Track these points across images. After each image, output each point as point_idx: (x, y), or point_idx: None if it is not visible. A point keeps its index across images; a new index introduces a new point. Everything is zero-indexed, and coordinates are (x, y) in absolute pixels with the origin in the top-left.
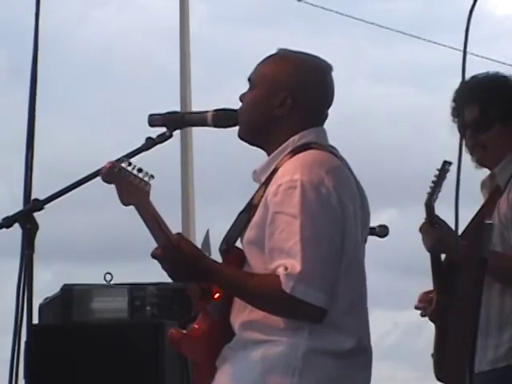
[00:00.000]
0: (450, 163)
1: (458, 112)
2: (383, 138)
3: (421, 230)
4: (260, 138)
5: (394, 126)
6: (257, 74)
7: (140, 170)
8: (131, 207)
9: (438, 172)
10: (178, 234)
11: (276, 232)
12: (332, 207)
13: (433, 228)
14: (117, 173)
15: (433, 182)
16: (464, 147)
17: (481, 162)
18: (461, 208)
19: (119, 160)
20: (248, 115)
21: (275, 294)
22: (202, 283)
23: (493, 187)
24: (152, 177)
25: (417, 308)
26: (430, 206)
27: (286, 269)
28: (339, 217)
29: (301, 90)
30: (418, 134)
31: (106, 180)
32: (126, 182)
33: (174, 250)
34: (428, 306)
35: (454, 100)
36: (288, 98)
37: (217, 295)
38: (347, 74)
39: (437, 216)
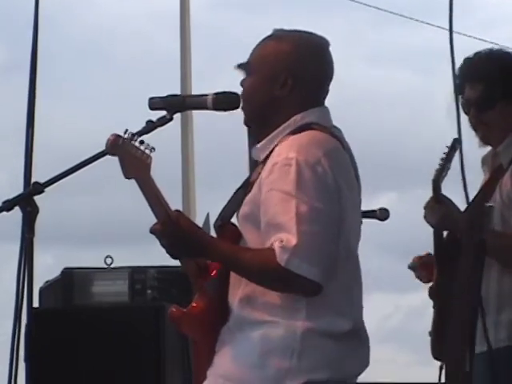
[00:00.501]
0: (459, 141)
1: (460, 89)
2: (382, 121)
3: (426, 207)
4: (264, 121)
5: (393, 109)
6: (254, 58)
7: (142, 142)
8: (131, 185)
9: (447, 149)
10: (177, 211)
11: (271, 208)
12: (328, 185)
13: (438, 204)
14: (120, 145)
15: (442, 159)
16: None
17: (484, 140)
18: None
19: (124, 132)
20: (250, 101)
21: (270, 267)
22: (198, 259)
23: (495, 166)
24: (153, 149)
25: (410, 267)
26: (437, 183)
27: (282, 241)
28: (335, 196)
29: (300, 68)
30: (416, 117)
31: (110, 152)
32: (128, 154)
33: (172, 226)
34: (422, 266)
35: (457, 77)
36: (288, 79)
37: (213, 272)
38: (346, 58)
39: (442, 194)
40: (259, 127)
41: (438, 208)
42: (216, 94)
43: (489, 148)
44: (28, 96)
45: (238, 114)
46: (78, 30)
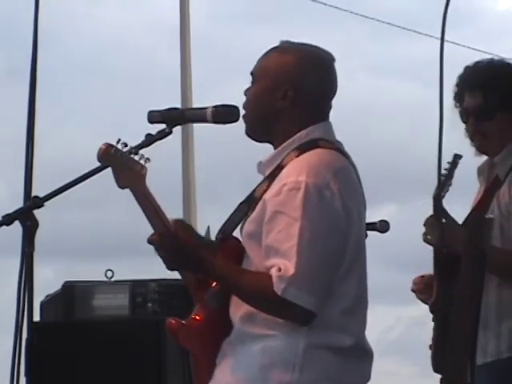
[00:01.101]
0: (460, 156)
1: (460, 98)
2: (382, 133)
3: (426, 223)
4: (265, 132)
5: (393, 121)
6: (258, 68)
7: (136, 153)
8: (131, 199)
9: (448, 165)
10: (177, 220)
11: (274, 231)
12: (335, 211)
13: (439, 222)
14: (113, 154)
15: (442, 175)
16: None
17: (480, 150)
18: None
19: (117, 142)
20: (251, 110)
21: (266, 294)
22: (194, 272)
23: (491, 177)
24: (148, 160)
25: (413, 290)
26: (438, 200)
27: (279, 270)
28: (342, 220)
29: (302, 81)
30: (417, 128)
31: (102, 161)
32: (121, 163)
33: (170, 238)
34: (424, 288)
35: (457, 85)
36: (289, 91)
37: (214, 284)
38: (345, 69)
39: (445, 210)
40: (260, 138)
41: (438, 226)
42: (215, 106)
43: (484, 157)
44: (28, 110)
45: (238, 127)
46: (78, 43)
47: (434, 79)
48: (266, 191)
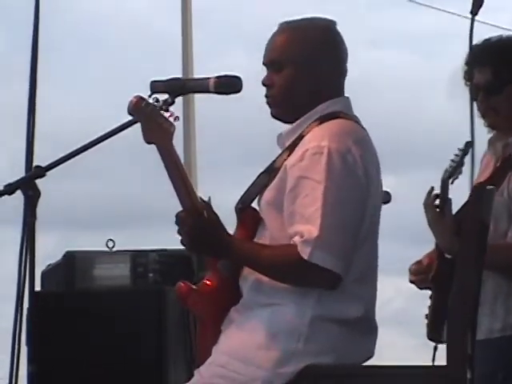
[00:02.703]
0: (471, 143)
1: (469, 75)
2: (382, 104)
3: (424, 203)
4: (296, 113)
5: (393, 93)
6: (282, 54)
7: (166, 110)
8: (134, 170)
9: (459, 152)
10: (204, 201)
11: (300, 196)
12: (357, 176)
13: (433, 208)
14: (143, 108)
15: (453, 160)
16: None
17: (493, 127)
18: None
19: (149, 96)
20: (287, 95)
21: (292, 261)
22: (213, 257)
23: (505, 157)
24: (177, 118)
25: (412, 282)
26: (445, 184)
27: (302, 236)
28: (363, 186)
29: (327, 58)
30: (416, 100)
31: (132, 112)
32: (150, 118)
33: (197, 219)
34: (423, 278)
35: (467, 63)
36: (318, 70)
37: None
38: (346, 41)
39: (448, 198)
40: (291, 120)
41: (429, 211)
42: (218, 77)
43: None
44: (29, 81)
45: (240, 98)
46: (79, 14)
47: (433, 51)
48: (286, 160)
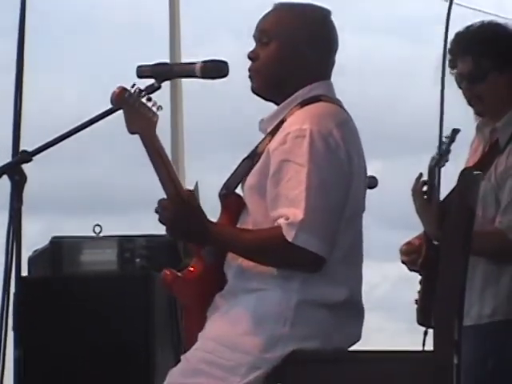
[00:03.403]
0: (458, 131)
1: (453, 63)
2: (370, 89)
3: (412, 190)
4: (277, 91)
5: (381, 78)
6: (272, 27)
7: (149, 99)
8: (121, 155)
9: (445, 139)
10: (191, 191)
11: (283, 180)
12: (339, 159)
13: (421, 195)
14: (126, 98)
15: (440, 148)
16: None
17: (481, 114)
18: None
19: (131, 86)
20: (270, 69)
21: (276, 243)
22: (195, 243)
23: (492, 142)
24: (160, 107)
25: (403, 262)
26: (432, 172)
27: (287, 218)
28: (346, 169)
29: (316, 40)
30: (404, 85)
31: (115, 105)
32: (133, 108)
33: (182, 207)
34: (415, 257)
35: (449, 51)
36: (307, 49)
37: None
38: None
39: (435, 186)
40: (270, 96)
41: (417, 199)
42: (204, 61)
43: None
44: (16, 65)
45: (227, 82)
46: (66, 1)
47: (421, 36)
48: (267, 145)
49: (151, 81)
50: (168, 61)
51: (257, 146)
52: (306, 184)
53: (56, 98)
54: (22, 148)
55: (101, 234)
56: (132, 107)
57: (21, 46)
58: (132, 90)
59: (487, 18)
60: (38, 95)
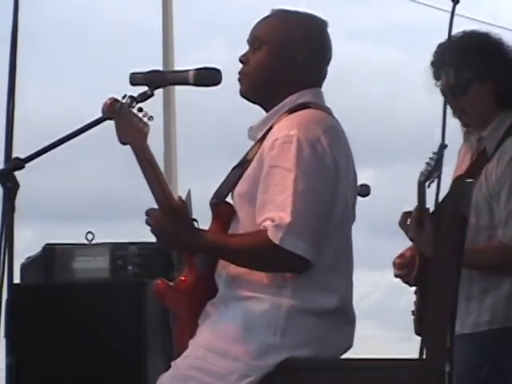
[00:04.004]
0: (445, 146)
1: (437, 76)
2: (360, 98)
3: (400, 225)
4: (264, 95)
5: (371, 86)
6: (264, 33)
7: (140, 110)
8: (114, 163)
9: (433, 155)
10: (183, 201)
11: (271, 185)
12: (326, 165)
13: (408, 226)
14: (117, 109)
15: (428, 164)
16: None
17: (465, 125)
18: None
19: (123, 97)
20: (259, 74)
21: (262, 246)
22: (186, 253)
23: (479, 150)
24: (151, 118)
25: (397, 276)
26: (422, 187)
27: (273, 221)
28: (332, 175)
29: (308, 47)
30: (393, 93)
31: (107, 115)
32: (125, 119)
33: (169, 215)
34: (408, 271)
35: (432, 63)
36: (298, 55)
37: None
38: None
39: (425, 208)
40: (258, 100)
41: (411, 225)
42: (197, 69)
43: None
44: (9, 73)
45: (220, 90)
46: (62, 7)
47: (410, 44)
48: (257, 153)
49: (144, 88)
50: (161, 68)
51: (246, 154)
52: (293, 189)
53: (48, 105)
54: (14, 155)
55: (93, 242)
56: (123, 118)
57: (13, 54)
58: (123, 101)
59: (482, 27)
60: (29, 102)
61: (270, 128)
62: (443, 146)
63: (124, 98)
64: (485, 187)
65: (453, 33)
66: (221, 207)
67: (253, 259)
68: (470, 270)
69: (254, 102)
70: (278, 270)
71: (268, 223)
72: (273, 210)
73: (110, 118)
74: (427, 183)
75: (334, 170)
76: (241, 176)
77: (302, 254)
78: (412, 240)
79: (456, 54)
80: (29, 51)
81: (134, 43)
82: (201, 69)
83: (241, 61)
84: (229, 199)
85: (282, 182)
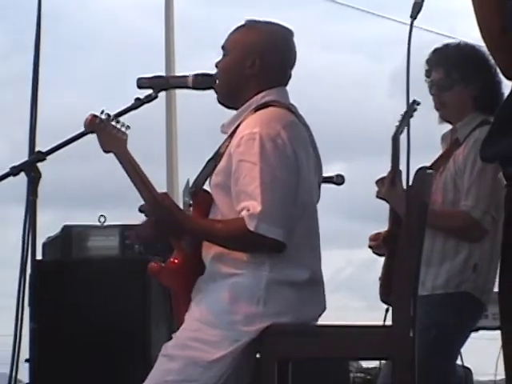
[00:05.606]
0: (418, 103)
1: (429, 73)
2: (332, 101)
3: (376, 182)
4: (235, 99)
5: (343, 91)
6: (229, 42)
7: (118, 122)
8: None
9: (404, 112)
10: (164, 193)
11: (241, 177)
12: (287, 156)
13: (384, 183)
14: (97, 124)
15: (401, 116)
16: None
17: (443, 118)
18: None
19: (101, 113)
20: (224, 78)
21: (241, 233)
22: (178, 237)
23: (452, 140)
24: (128, 127)
25: (370, 247)
26: (396, 140)
27: (248, 210)
28: (293, 165)
29: (267, 52)
30: (361, 98)
31: (88, 129)
32: (104, 131)
33: (158, 207)
34: (380, 244)
35: (427, 62)
36: (257, 60)
37: None
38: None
39: (399, 170)
40: (231, 104)
41: (384, 185)
42: (195, 74)
43: (448, 127)
44: (32, 78)
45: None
46: (80, 21)
47: (381, 54)
48: (228, 147)
49: (149, 91)
50: (164, 74)
51: (219, 147)
52: (260, 180)
53: (65, 106)
54: (37, 149)
55: (105, 224)
56: (103, 130)
57: (37, 54)
58: (102, 116)
59: (441, 39)
60: (49, 104)
61: (239, 125)
62: (414, 102)
63: (102, 113)
64: (452, 167)
65: (420, 44)
66: (199, 195)
67: (235, 243)
68: (432, 240)
69: (229, 107)
70: (258, 252)
71: (244, 212)
72: (246, 199)
73: (92, 132)
74: (399, 132)
75: (295, 160)
76: (215, 167)
77: (274, 236)
78: (384, 198)
79: (449, 56)
80: (53, 56)
81: (140, 52)
82: (198, 74)
83: (216, 66)
84: (206, 186)
85: (250, 174)
